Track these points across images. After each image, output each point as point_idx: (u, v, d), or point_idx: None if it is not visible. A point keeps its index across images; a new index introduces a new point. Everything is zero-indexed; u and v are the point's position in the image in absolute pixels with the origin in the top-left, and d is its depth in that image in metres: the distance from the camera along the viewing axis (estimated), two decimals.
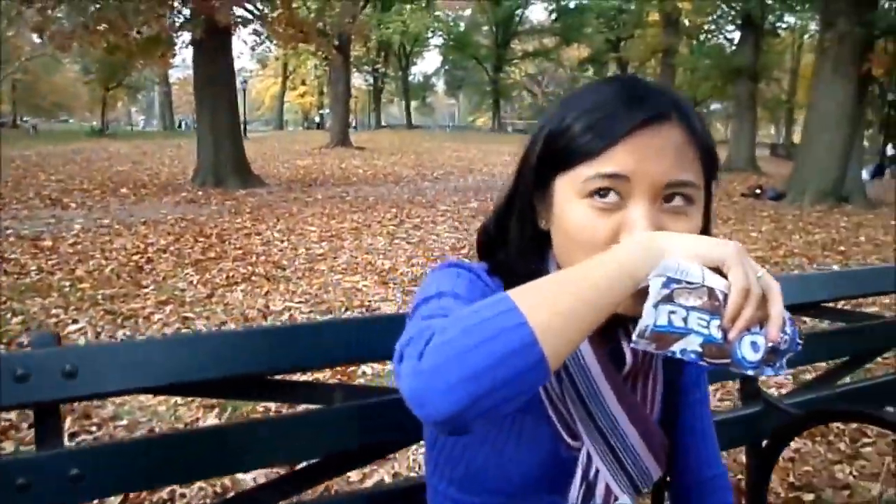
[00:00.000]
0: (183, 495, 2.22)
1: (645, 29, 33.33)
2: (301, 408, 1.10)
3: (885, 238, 8.85)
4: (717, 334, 0.66)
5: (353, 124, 39.54)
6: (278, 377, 1.05)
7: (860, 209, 11.99)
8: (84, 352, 0.95)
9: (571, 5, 47.65)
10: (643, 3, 32.53)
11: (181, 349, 0.98)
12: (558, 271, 0.72)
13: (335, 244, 7.26)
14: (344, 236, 7.75)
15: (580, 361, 0.82)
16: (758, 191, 13.48)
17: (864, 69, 11.28)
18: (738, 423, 1.49)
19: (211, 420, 2.93)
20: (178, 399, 3.06)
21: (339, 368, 3.22)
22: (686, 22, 29.69)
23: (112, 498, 1.95)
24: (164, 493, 2.17)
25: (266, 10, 13.83)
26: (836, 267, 6.81)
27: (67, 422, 2.79)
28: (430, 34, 48.02)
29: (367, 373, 3.48)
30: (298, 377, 1.09)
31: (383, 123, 55.37)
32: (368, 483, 2.19)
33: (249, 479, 2.10)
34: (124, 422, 2.87)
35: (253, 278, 5.74)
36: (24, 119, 49.52)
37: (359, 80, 49.13)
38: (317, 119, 56.78)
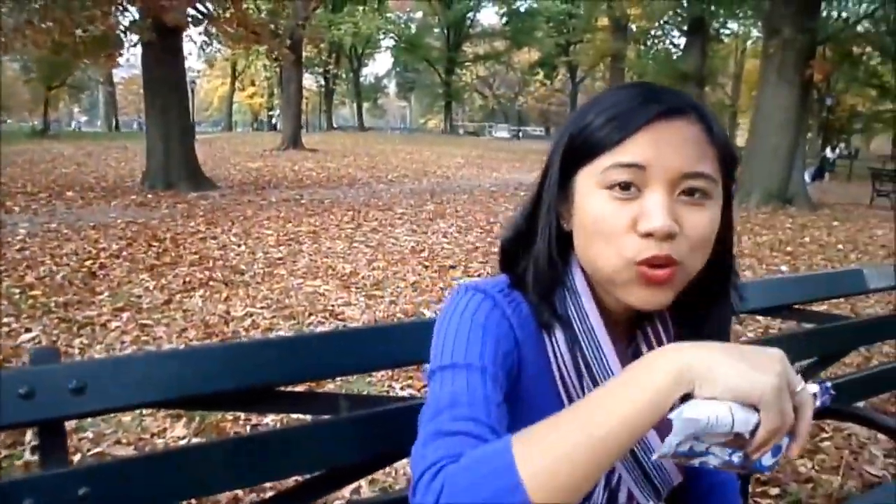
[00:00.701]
0: None
1: (594, 33, 33.87)
2: (302, 418, 1.09)
3: (829, 239, 9.19)
4: (739, 459, 0.66)
5: (304, 126, 39.10)
6: (285, 388, 1.04)
7: (804, 211, 12.41)
8: (92, 367, 0.92)
9: (522, 9, 48.16)
10: (592, 8, 33.09)
11: (189, 362, 0.96)
12: (571, 407, 0.67)
13: (293, 248, 7.18)
14: (302, 240, 7.67)
15: (604, 364, 0.83)
16: None
17: (806, 75, 11.71)
18: None
19: (179, 430, 2.88)
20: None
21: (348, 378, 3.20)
22: (634, 27, 30.34)
23: None
24: None
25: (216, 11, 13.59)
26: (784, 268, 7.04)
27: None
28: (381, 36, 47.85)
29: (373, 382, 3.47)
30: (304, 388, 1.09)
31: (335, 125, 54.98)
32: (369, 493, 2.19)
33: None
34: (89, 434, 2.79)
35: (211, 283, 5.64)
36: None
37: (309, 81, 48.66)
38: (268, 120, 56.10)
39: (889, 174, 15.65)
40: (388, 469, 2.36)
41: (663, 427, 0.84)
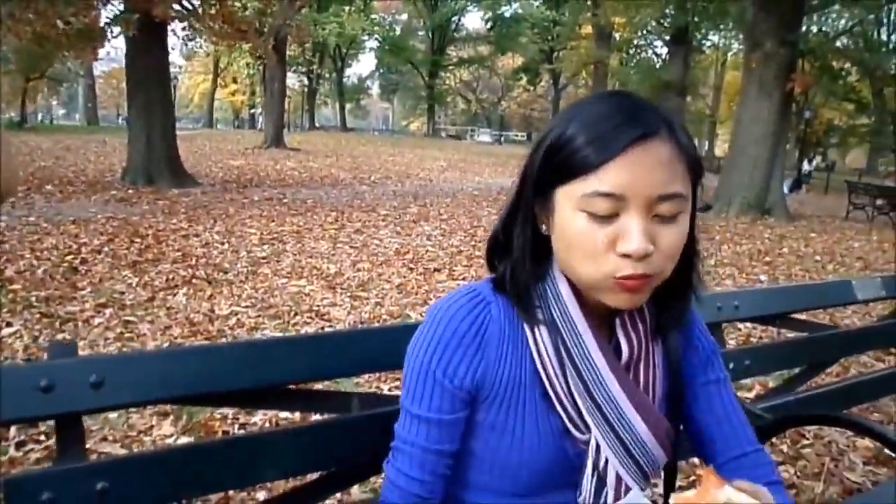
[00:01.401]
0: None
1: (578, 41, 34.08)
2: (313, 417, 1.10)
3: (807, 249, 9.33)
4: None
5: (287, 125, 38.90)
6: (298, 386, 1.05)
7: (782, 221, 12.59)
8: (111, 361, 0.92)
9: (507, 15, 48.33)
10: (577, 16, 33.33)
11: (206, 359, 0.97)
12: None
13: (277, 247, 7.15)
14: (285, 239, 7.64)
15: (586, 354, 0.87)
16: None
17: (787, 88, 11.90)
18: None
19: (166, 428, 2.86)
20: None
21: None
22: (617, 36, 30.55)
23: None
24: None
25: (203, 7, 13.48)
26: (763, 277, 7.15)
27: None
28: (365, 37, 47.77)
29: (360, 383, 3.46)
30: (317, 386, 1.10)
31: (317, 125, 54.76)
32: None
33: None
34: None
35: (194, 281, 5.60)
36: None
37: (292, 80, 48.44)
38: (249, 118, 55.73)
39: (864, 187, 15.91)
40: None
41: (646, 411, 0.88)
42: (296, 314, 4.76)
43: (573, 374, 0.88)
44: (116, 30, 12.05)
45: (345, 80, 56.77)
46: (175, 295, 5.14)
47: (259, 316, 4.70)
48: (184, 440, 2.78)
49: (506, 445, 0.90)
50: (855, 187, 15.97)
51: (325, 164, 20.54)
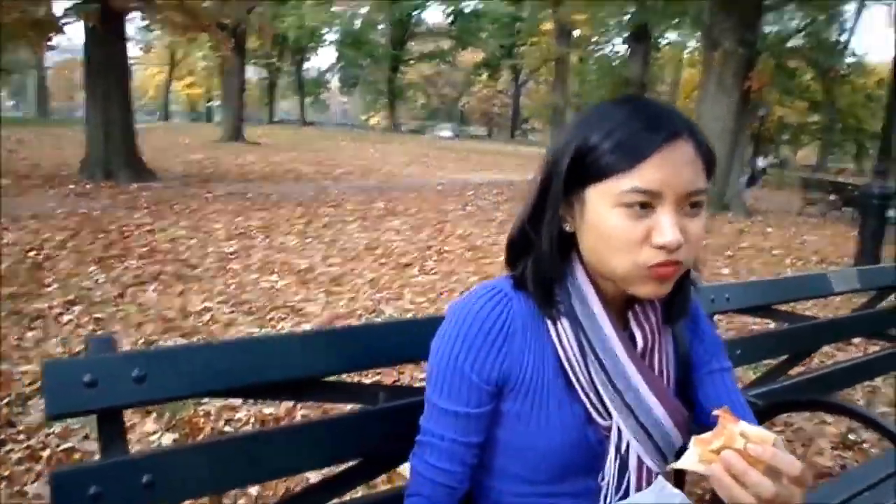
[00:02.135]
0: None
1: (539, 37, 34.29)
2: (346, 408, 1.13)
3: (765, 244, 9.60)
4: None
5: (246, 119, 38.39)
6: (330, 379, 1.08)
7: (740, 217, 12.91)
8: (151, 356, 0.93)
9: (467, 10, 48.35)
10: (537, 12, 33.52)
11: (242, 352, 0.99)
12: None
13: (245, 243, 7.08)
14: (253, 235, 7.57)
15: (607, 345, 0.93)
16: None
17: (745, 86, 12.19)
18: None
19: (150, 425, 2.84)
20: None
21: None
22: (576, 33, 30.84)
23: None
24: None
25: None
26: (726, 271, 7.33)
27: None
28: (325, 30, 47.37)
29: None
30: (346, 378, 1.12)
31: (276, 119, 54.13)
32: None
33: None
34: (56, 428, 2.73)
35: (162, 277, 5.52)
36: None
37: (251, 73, 47.75)
38: (206, 111, 54.81)
39: (818, 184, 16.40)
40: None
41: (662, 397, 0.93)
42: (271, 310, 4.74)
43: (595, 363, 0.93)
44: (71, 19, 11.74)
45: (304, 73, 56.16)
46: (145, 291, 5.06)
47: (233, 312, 4.67)
48: (168, 437, 2.77)
49: (532, 434, 0.94)
50: (809, 183, 16.45)
51: (286, 158, 20.33)
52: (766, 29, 16.17)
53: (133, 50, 51.62)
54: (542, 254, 0.95)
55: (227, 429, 2.83)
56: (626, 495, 0.96)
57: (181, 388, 0.94)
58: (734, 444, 0.72)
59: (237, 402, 3.02)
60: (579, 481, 0.97)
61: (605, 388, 0.93)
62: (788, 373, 1.91)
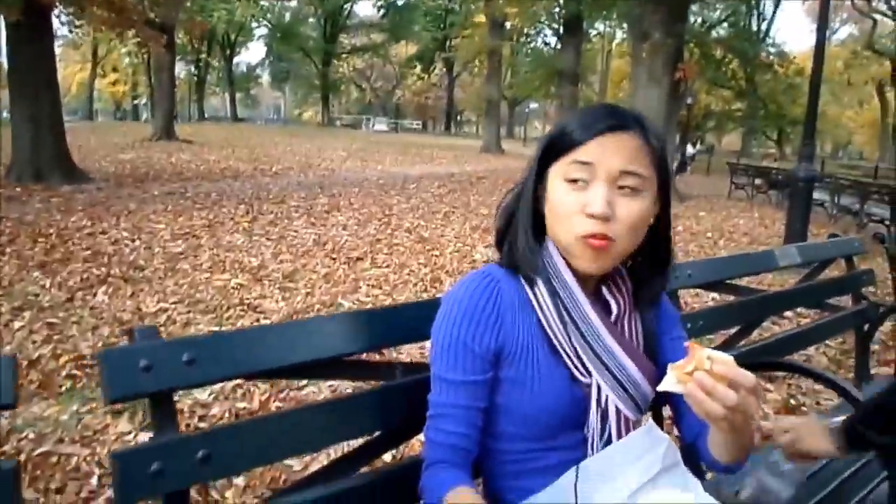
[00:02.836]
0: None
1: (472, 30, 34.49)
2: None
3: (699, 228, 10.02)
4: None
5: (176, 116, 37.39)
6: (350, 358, 1.16)
7: (674, 202, 13.02)
8: (199, 342, 1.00)
9: (400, 2, 48.24)
10: (469, 5, 33.71)
11: (275, 336, 1.07)
12: None
13: (192, 242, 6.99)
14: (198, 234, 7.48)
15: (581, 312, 1.08)
16: None
17: (675, 76, 12.64)
18: None
19: (123, 425, 2.85)
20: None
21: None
22: (509, 25, 31.17)
23: None
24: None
25: None
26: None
27: None
28: (255, 23, 46.52)
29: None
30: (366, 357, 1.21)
31: (206, 115, 52.90)
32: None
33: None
34: (29, 434, 2.71)
35: (110, 280, 5.43)
36: None
37: (179, 69, 46.49)
38: (132, 109, 53.11)
39: (744, 169, 17.10)
40: None
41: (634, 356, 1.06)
42: (228, 308, 4.73)
43: (573, 329, 1.08)
44: None
45: (234, 68, 55.04)
46: (94, 294, 4.98)
47: (189, 312, 4.65)
48: (143, 436, 2.78)
49: (526, 396, 1.07)
50: (736, 169, 17.14)
51: (221, 156, 19.95)
52: (691, 19, 16.74)
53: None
54: (519, 228, 1.11)
55: (201, 424, 2.86)
56: (609, 442, 1.10)
57: (225, 371, 1.01)
58: (703, 366, 0.87)
59: (208, 399, 3.05)
60: (569, 434, 1.10)
61: (584, 351, 1.08)
62: (744, 341, 2.09)
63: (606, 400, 1.09)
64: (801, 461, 1.38)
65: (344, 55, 56.07)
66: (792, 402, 3.43)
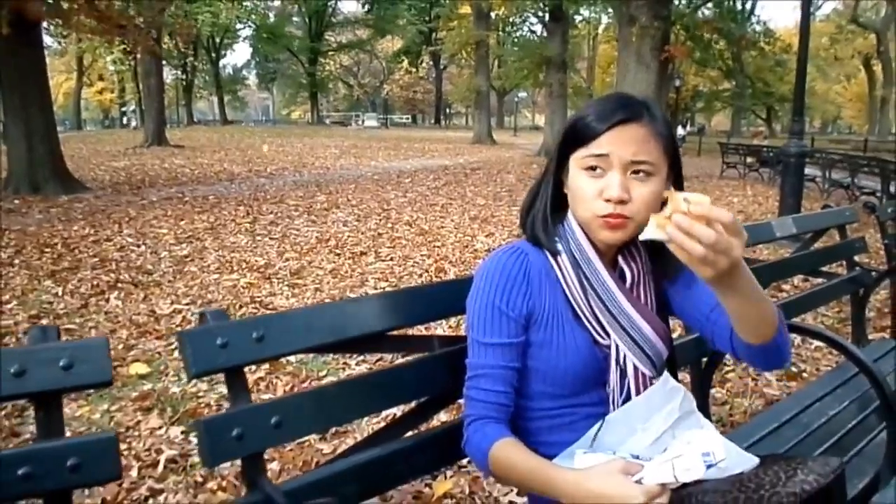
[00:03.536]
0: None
1: (458, 21, 34.49)
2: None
3: None
4: None
5: (166, 121, 37.30)
6: (395, 333, 1.29)
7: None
8: (267, 320, 1.12)
9: None
10: None
11: (331, 314, 1.19)
12: (536, 469, 1.10)
13: (196, 245, 7.10)
14: (202, 236, 7.58)
15: (600, 279, 1.21)
16: None
17: (663, 58, 12.76)
18: (685, 347, 1.91)
19: (154, 420, 2.96)
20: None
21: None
22: (494, 15, 31.20)
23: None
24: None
25: (72, 3, 12.78)
26: None
27: None
28: (240, 25, 46.37)
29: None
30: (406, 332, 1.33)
31: (195, 119, 52.79)
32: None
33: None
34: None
35: (120, 285, 5.53)
36: None
37: (166, 74, 46.36)
38: (120, 117, 52.92)
39: (735, 148, 17.25)
40: None
41: (648, 318, 1.17)
42: (240, 307, 4.85)
43: (593, 295, 1.21)
44: None
45: (221, 71, 54.90)
46: (107, 300, 5.08)
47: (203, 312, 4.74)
48: (175, 430, 2.90)
49: (553, 357, 1.21)
50: (727, 148, 17.29)
51: (214, 159, 20.01)
52: (676, 1, 16.85)
53: None
54: (541, 204, 1.26)
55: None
56: (628, 397, 1.22)
57: (290, 346, 1.13)
58: (680, 208, 0.91)
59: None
60: (593, 392, 1.24)
61: (603, 315, 1.21)
62: None
63: (625, 359, 1.22)
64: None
65: (330, 53, 56.00)
66: (793, 369, 3.57)
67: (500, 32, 34.80)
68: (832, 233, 2.95)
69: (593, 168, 1.14)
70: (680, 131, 24.06)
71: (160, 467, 2.56)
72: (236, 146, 25.74)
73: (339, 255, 6.59)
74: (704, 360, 1.91)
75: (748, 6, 36.80)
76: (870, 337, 3.18)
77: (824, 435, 1.89)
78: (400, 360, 1.53)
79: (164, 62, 34.77)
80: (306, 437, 2.60)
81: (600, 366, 1.22)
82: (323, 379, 3.47)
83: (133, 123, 47.81)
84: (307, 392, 1.21)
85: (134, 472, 2.54)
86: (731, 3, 27.29)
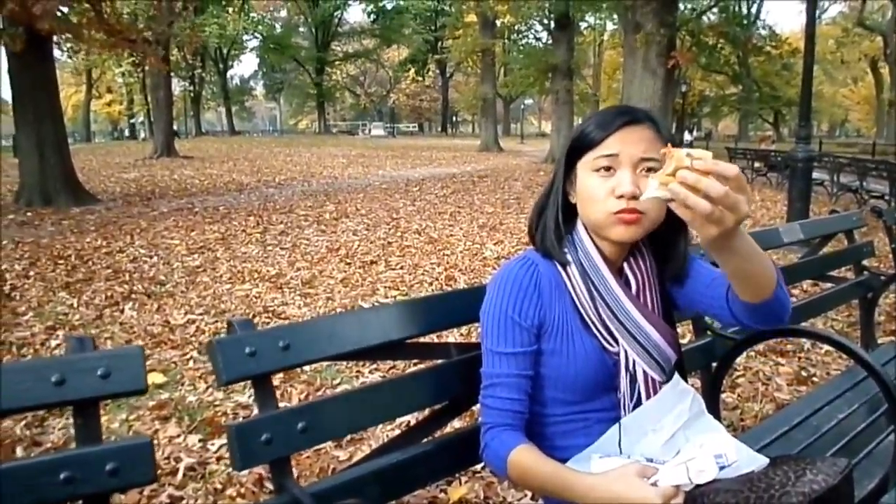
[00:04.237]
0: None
1: (464, 30, 34.64)
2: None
3: None
4: None
5: (175, 132, 37.57)
6: (413, 341, 1.33)
7: None
8: (293, 329, 1.17)
9: (389, 6, 48.41)
10: (460, 4, 33.84)
11: (353, 323, 1.24)
12: (555, 473, 1.14)
13: (208, 255, 7.16)
14: (213, 247, 7.65)
15: (608, 286, 1.25)
16: None
17: (669, 65, 12.80)
18: (694, 352, 1.94)
19: (172, 429, 3.01)
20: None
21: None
22: (498, 23, 31.32)
23: None
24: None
25: (81, 18, 12.94)
26: None
27: None
28: (247, 36, 46.72)
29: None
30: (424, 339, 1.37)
31: (203, 130, 53.11)
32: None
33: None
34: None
35: (133, 296, 5.59)
36: None
37: (174, 86, 46.72)
38: (129, 129, 53.31)
39: (743, 153, 17.25)
40: None
41: (655, 323, 1.21)
42: (253, 316, 4.89)
43: (601, 303, 1.25)
44: None
45: (228, 82, 55.26)
46: (122, 311, 5.14)
47: (216, 322, 4.80)
48: (192, 437, 2.94)
49: (564, 364, 1.24)
50: (734, 153, 17.30)
51: (223, 170, 20.15)
52: (681, 6, 16.91)
53: None
54: (550, 215, 1.29)
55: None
56: (639, 402, 1.25)
57: (314, 354, 1.18)
58: (683, 164, 0.88)
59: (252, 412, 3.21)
60: (604, 398, 1.27)
61: (611, 322, 1.24)
62: None
63: (634, 365, 1.25)
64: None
65: (337, 62, 56.28)
66: (803, 373, 3.59)
67: (506, 40, 34.91)
68: (840, 237, 2.98)
69: (604, 168, 1.18)
70: (687, 137, 24.08)
71: (179, 475, 2.61)
72: (245, 156, 25.90)
73: (349, 264, 6.64)
74: (714, 364, 1.94)
75: (753, 10, 36.81)
76: (879, 341, 3.21)
77: (834, 438, 1.92)
78: (414, 368, 1.57)
79: (172, 74, 35.07)
80: (323, 445, 2.64)
81: (610, 372, 1.25)
82: (337, 387, 3.52)
83: (142, 135, 48.21)
84: (331, 398, 1.26)
85: None
86: (737, 7, 27.31)
